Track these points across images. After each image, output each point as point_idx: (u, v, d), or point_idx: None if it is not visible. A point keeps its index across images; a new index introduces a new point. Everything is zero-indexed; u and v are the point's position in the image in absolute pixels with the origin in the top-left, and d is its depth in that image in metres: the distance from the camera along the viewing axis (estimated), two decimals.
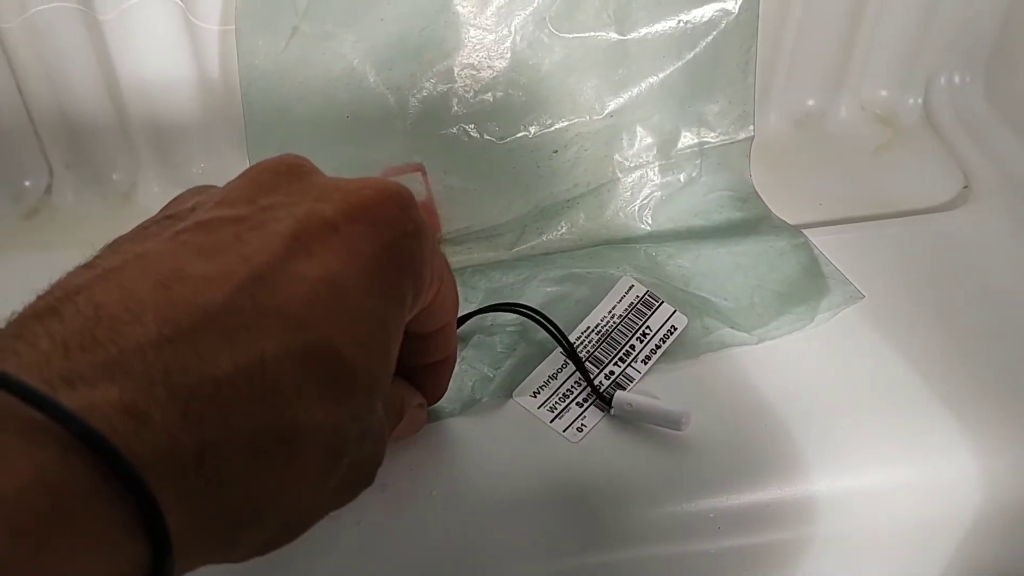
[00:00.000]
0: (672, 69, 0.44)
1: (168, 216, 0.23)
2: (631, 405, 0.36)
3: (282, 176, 0.24)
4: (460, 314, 0.34)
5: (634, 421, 0.36)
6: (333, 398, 0.21)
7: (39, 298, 0.19)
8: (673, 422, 0.35)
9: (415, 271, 0.24)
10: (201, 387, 0.18)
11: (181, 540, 0.18)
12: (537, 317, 0.38)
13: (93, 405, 0.17)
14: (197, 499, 0.18)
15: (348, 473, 0.23)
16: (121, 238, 0.22)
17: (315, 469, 0.21)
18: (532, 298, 0.40)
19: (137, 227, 0.23)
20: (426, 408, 0.33)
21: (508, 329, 0.39)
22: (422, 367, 0.31)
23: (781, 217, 0.46)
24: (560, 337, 0.38)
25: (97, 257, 0.21)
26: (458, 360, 0.38)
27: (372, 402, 0.23)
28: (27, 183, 0.47)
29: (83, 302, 0.19)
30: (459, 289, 0.40)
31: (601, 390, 0.37)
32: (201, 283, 0.20)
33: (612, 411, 0.36)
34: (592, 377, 0.37)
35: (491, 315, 0.40)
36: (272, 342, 0.20)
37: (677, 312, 0.39)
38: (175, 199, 0.25)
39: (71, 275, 0.20)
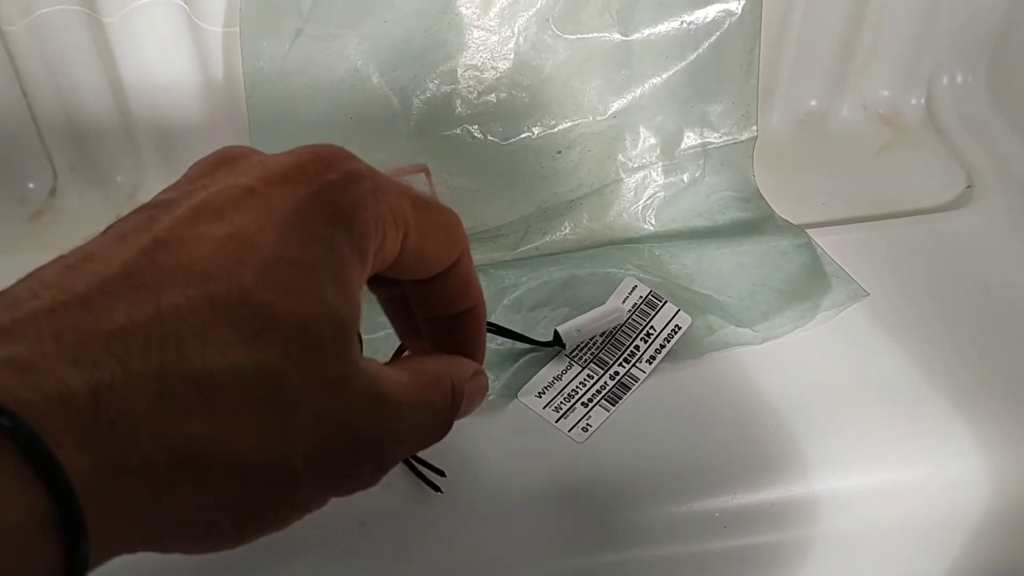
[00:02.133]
0: (675, 70, 0.44)
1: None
2: (579, 331, 0.37)
3: (212, 165, 0.24)
4: None
5: (588, 339, 0.38)
6: (254, 343, 0.20)
7: None
8: (617, 313, 0.37)
9: (344, 216, 0.23)
10: (92, 338, 0.18)
11: (96, 489, 0.18)
12: (493, 329, 0.38)
13: None
14: (101, 443, 0.18)
15: (330, 437, 0.22)
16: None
17: (250, 416, 0.20)
18: (535, 298, 0.41)
19: None
20: (485, 376, 0.30)
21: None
22: (449, 322, 0.30)
23: (784, 217, 0.46)
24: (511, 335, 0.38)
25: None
26: None
27: (319, 347, 0.22)
28: (31, 185, 0.47)
29: (0, 298, 0.19)
30: None
31: (606, 390, 0.37)
32: (103, 258, 0.20)
33: (567, 349, 0.38)
34: (597, 378, 0.38)
35: (495, 321, 0.40)
36: (171, 294, 0.20)
37: (681, 311, 0.39)
38: None
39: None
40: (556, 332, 0.38)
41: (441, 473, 0.34)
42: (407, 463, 0.34)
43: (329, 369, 0.22)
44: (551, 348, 0.38)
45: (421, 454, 0.34)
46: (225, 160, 0.24)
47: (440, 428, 0.27)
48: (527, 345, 0.38)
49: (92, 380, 0.18)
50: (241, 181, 0.23)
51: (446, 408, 0.27)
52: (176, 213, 0.22)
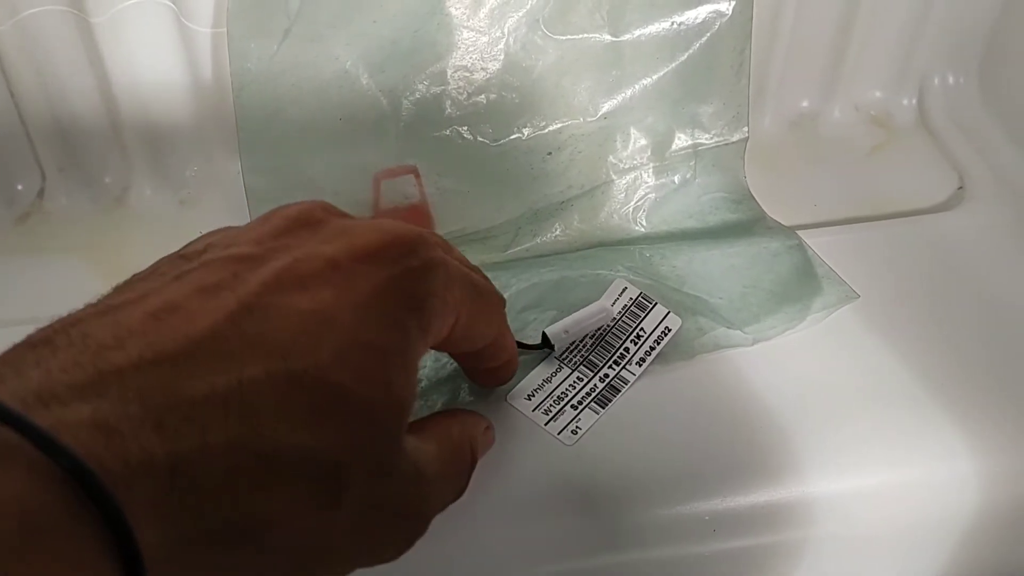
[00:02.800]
0: (666, 71, 0.44)
1: (181, 256, 0.24)
2: (567, 332, 0.38)
3: (296, 221, 0.24)
4: None
5: (577, 339, 0.38)
6: (322, 424, 0.21)
7: (39, 329, 0.20)
8: (604, 313, 0.38)
9: (419, 303, 0.24)
10: (176, 406, 0.19)
11: (160, 561, 0.18)
12: None
13: (63, 422, 0.17)
14: (173, 515, 0.18)
15: (372, 519, 0.23)
16: (134, 276, 0.23)
17: (307, 495, 0.21)
18: (525, 300, 0.40)
19: (151, 265, 0.24)
20: (493, 428, 0.34)
21: None
22: (485, 371, 0.34)
23: (775, 218, 0.46)
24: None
25: (105, 295, 0.22)
26: (452, 365, 0.38)
27: (378, 432, 0.22)
28: (19, 187, 0.47)
29: (75, 333, 0.19)
30: None
31: (596, 392, 0.37)
32: (191, 315, 0.20)
33: (556, 351, 0.38)
34: (586, 381, 0.37)
35: None
36: (254, 367, 0.20)
37: (671, 313, 0.39)
38: (195, 240, 0.25)
39: (76, 310, 0.21)
40: (544, 334, 0.38)
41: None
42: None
43: (383, 454, 0.23)
44: (540, 351, 0.38)
45: None
46: (308, 221, 0.25)
47: (455, 497, 0.28)
48: (521, 349, 0.38)
49: (172, 453, 0.18)
50: (326, 251, 0.23)
51: (467, 475, 0.29)
52: (261, 276, 0.22)
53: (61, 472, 0.17)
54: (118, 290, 0.22)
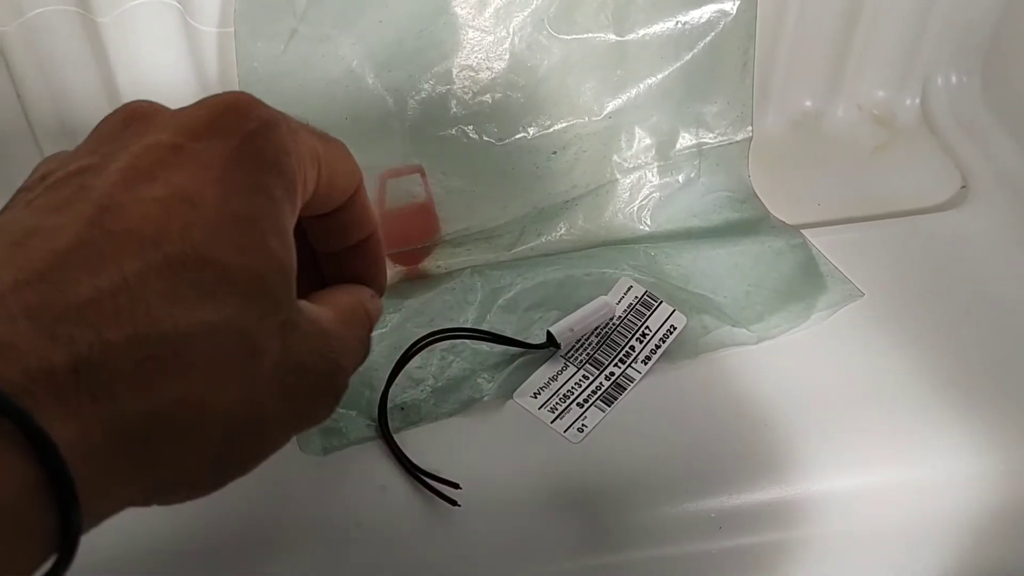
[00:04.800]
0: (670, 70, 0.44)
1: (23, 189, 0.23)
2: (572, 329, 0.38)
3: (124, 121, 0.24)
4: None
5: (582, 337, 0.38)
6: (215, 299, 0.21)
7: None
8: (607, 308, 0.38)
9: (275, 163, 0.24)
10: (65, 314, 0.19)
11: (83, 458, 0.18)
12: (482, 336, 0.38)
13: None
14: (87, 414, 0.18)
15: (292, 378, 0.23)
16: None
17: (225, 369, 0.21)
18: (530, 299, 0.41)
19: None
20: (380, 299, 0.31)
21: (507, 331, 0.39)
22: (350, 253, 0.30)
23: (779, 217, 0.46)
24: (516, 342, 0.38)
25: None
26: (459, 363, 0.38)
27: (273, 296, 0.23)
28: None
29: None
30: (458, 291, 0.41)
31: (602, 390, 0.37)
32: (51, 231, 0.20)
33: (561, 349, 0.38)
34: (592, 379, 0.38)
35: (490, 321, 0.40)
36: (131, 261, 0.20)
37: (676, 312, 0.39)
38: (32, 172, 0.25)
39: None
40: (549, 333, 0.38)
41: (456, 486, 0.34)
42: (420, 480, 0.34)
43: (282, 316, 0.23)
44: (546, 350, 0.38)
45: (432, 469, 0.34)
46: (133, 117, 0.24)
47: (365, 353, 0.29)
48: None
49: (72, 354, 0.18)
50: (163, 138, 0.23)
51: (367, 334, 0.29)
52: (108, 178, 0.22)
53: None
54: None
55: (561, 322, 0.38)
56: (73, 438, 0.18)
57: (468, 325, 0.39)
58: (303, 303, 0.25)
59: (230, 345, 0.21)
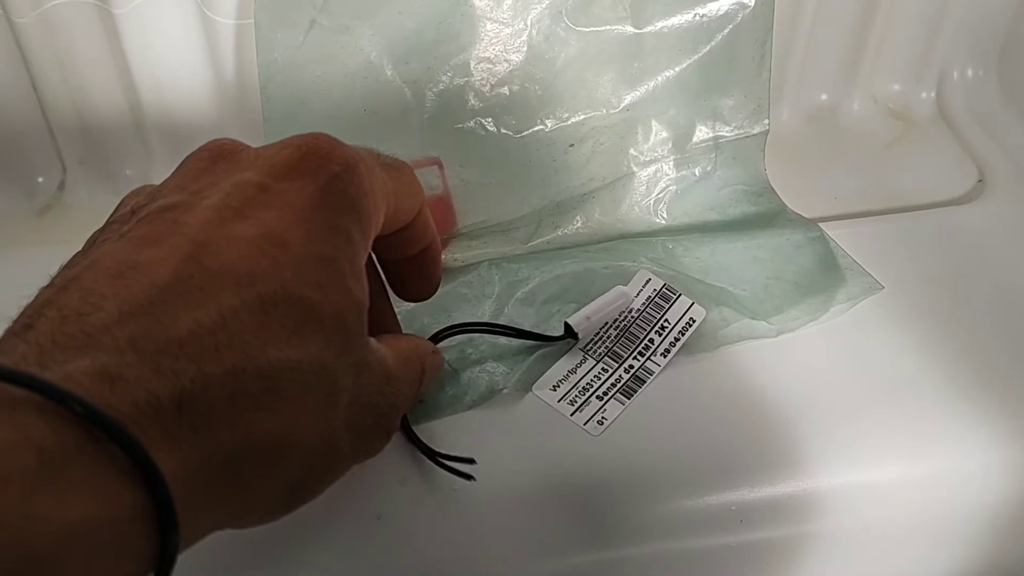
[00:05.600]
0: (688, 63, 0.44)
1: (111, 222, 0.25)
2: (589, 319, 0.38)
3: (209, 161, 0.25)
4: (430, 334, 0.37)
5: (600, 329, 0.39)
6: (302, 336, 0.22)
7: (14, 321, 0.21)
8: (624, 299, 0.38)
9: (354, 206, 0.25)
10: (168, 347, 0.20)
11: (182, 486, 0.19)
12: (499, 329, 0.38)
13: (67, 376, 0.18)
14: (187, 445, 0.20)
15: (360, 415, 0.25)
16: (76, 254, 0.24)
17: (309, 404, 0.22)
18: (547, 292, 0.40)
19: (87, 241, 0.25)
20: (440, 354, 0.34)
21: (525, 324, 0.39)
22: (408, 261, 0.32)
23: (795, 211, 0.46)
24: (531, 335, 0.38)
25: (56, 276, 0.23)
26: (478, 356, 0.38)
27: (350, 334, 0.24)
28: (40, 179, 0.47)
29: (50, 311, 0.20)
30: (476, 284, 0.41)
31: (621, 383, 0.37)
32: (150, 266, 0.21)
33: (580, 340, 0.38)
34: (611, 372, 0.37)
35: (508, 315, 0.39)
36: (227, 298, 0.21)
37: (695, 304, 0.39)
38: (116, 207, 0.26)
39: (37, 295, 0.22)
40: (567, 324, 0.38)
41: (471, 461, 0.34)
42: (435, 461, 0.34)
43: (357, 353, 0.24)
44: (564, 341, 0.38)
45: (445, 448, 0.34)
46: (220, 155, 0.25)
47: (417, 394, 0.31)
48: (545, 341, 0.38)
49: (175, 387, 0.19)
50: (251, 178, 0.24)
51: (420, 382, 0.31)
52: (201, 215, 0.23)
53: (72, 416, 0.18)
54: (67, 267, 0.23)
55: (578, 313, 0.38)
56: (175, 468, 0.19)
57: (486, 318, 0.39)
58: (371, 340, 0.26)
59: (313, 381, 0.22)
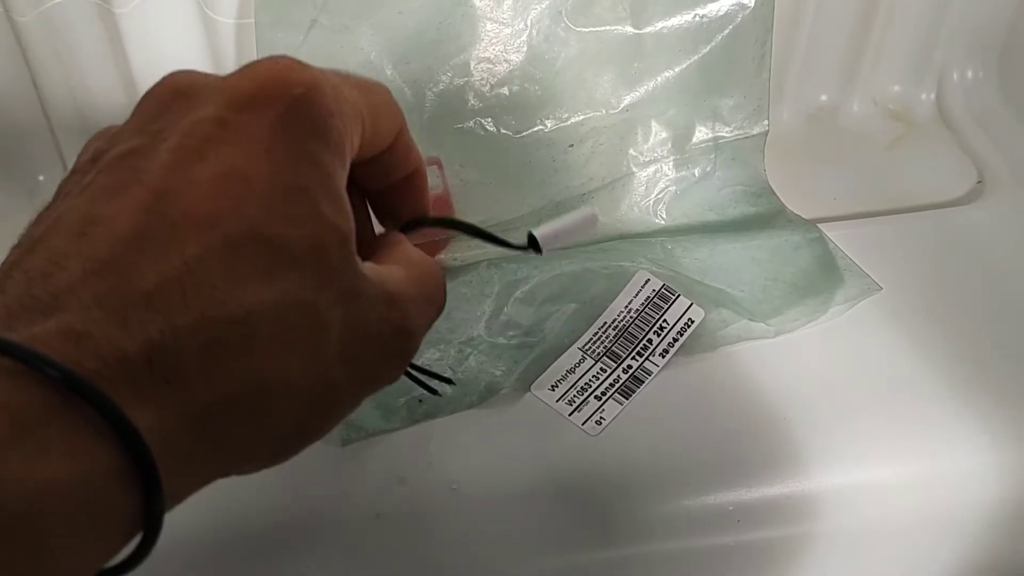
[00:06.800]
0: (687, 63, 0.44)
1: (75, 171, 0.24)
2: (556, 236, 0.35)
3: (168, 97, 0.24)
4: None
5: (566, 245, 0.36)
6: (274, 275, 0.21)
7: None
8: (590, 221, 0.34)
9: (321, 128, 0.24)
10: (134, 301, 0.19)
11: (161, 441, 0.19)
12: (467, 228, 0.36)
13: (33, 337, 0.18)
14: (162, 399, 0.19)
15: (357, 345, 0.24)
16: (44, 209, 0.23)
17: (291, 345, 0.22)
18: (546, 292, 0.41)
19: (54, 194, 0.24)
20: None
21: (523, 325, 0.39)
22: (393, 188, 0.31)
23: (795, 211, 0.46)
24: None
25: (24, 234, 0.22)
26: (477, 355, 0.38)
27: (331, 264, 0.23)
28: (41, 178, 0.47)
29: (17, 273, 0.20)
30: (475, 284, 0.41)
31: (620, 383, 0.37)
32: (111, 220, 0.21)
33: (544, 252, 0.35)
34: (610, 372, 0.38)
35: (507, 314, 0.39)
36: (192, 245, 0.20)
37: (694, 305, 0.39)
38: (81, 152, 0.25)
39: (7, 256, 0.21)
40: (531, 234, 0.37)
41: (449, 381, 0.34)
42: (408, 375, 0.33)
43: (343, 283, 0.23)
44: (526, 251, 0.36)
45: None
46: (178, 91, 0.24)
47: (437, 312, 0.28)
48: (544, 341, 0.38)
49: (144, 341, 0.19)
50: (208, 112, 0.23)
51: (441, 294, 0.29)
52: (158, 160, 0.22)
53: (41, 376, 0.17)
54: (34, 224, 0.23)
55: (545, 226, 0.37)
56: (151, 423, 0.19)
57: (485, 317, 0.39)
58: (368, 265, 0.25)
59: (293, 319, 0.22)
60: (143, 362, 0.19)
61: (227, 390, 0.20)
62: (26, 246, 0.21)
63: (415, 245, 0.42)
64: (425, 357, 0.37)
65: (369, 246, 0.29)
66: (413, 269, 0.28)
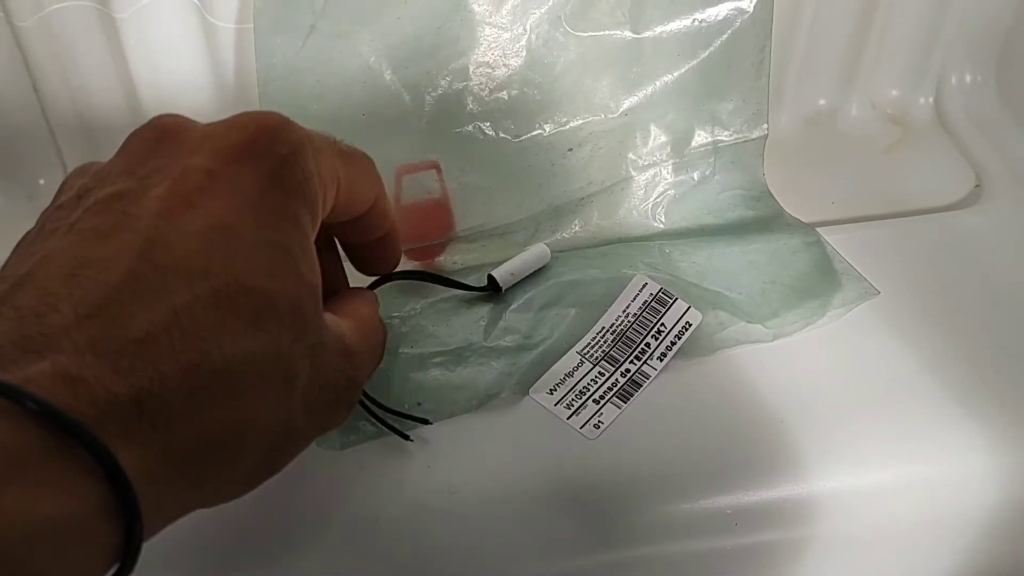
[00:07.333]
0: (686, 68, 0.44)
1: (59, 207, 0.24)
2: (512, 274, 0.40)
3: (154, 141, 0.25)
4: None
5: (521, 280, 0.40)
6: (257, 327, 0.22)
7: None
8: (542, 257, 0.40)
9: (301, 189, 0.25)
10: (125, 347, 0.20)
11: (144, 481, 0.20)
12: (428, 278, 0.40)
13: (28, 378, 0.19)
14: (148, 442, 0.20)
15: (318, 394, 0.25)
16: (24, 240, 0.24)
17: (266, 394, 0.23)
18: (545, 297, 0.41)
19: (36, 224, 0.25)
20: (377, 303, 0.34)
21: (522, 329, 0.39)
22: (368, 245, 0.33)
23: (793, 215, 0.46)
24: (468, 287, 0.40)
25: (6, 266, 0.23)
26: (475, 358, 0.38)
27: (305, 319, 0.24)
28: (41, 181, 0.47)
29: (7, 311, 0.21)
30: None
31: (618, 387, 0.37)
32: (103, 264, 0.21)
33: (503, 291, 0.40)
34: (608, 375, 0.38)
35: (506, 319, 0.40)
36: (181, 295, 0.21)
37: (691, 308, 0.39)
38: (61, 187, 0.26)
39: None
40: (490, 276, 0.39)
41: (425, 421, 0.35)
42: (380, 421, 0.35)
43: (312, 336, 0.25)
44: (488, 292, 0.40)
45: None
46: (164, 135, 0.25)
47: (377, 362, 0.32)
48: (543, 344, 0.39)
49: (133, 387, 0.20)
50: (198, 163, 0.24)
51: (382, 348, 0.32)
52: (149, 207, 0.23)
53: (36, 417, 0.18)
54: (18, 256, 0.23)
55: (503, 266, 0.40)
56: (137, 464, 0.20)
57: (484, 323, 0.40)
58: (328, 316, 0.27)
59: (270, 370, 0.23)
60: (132, 407, 0.20)
61: (208, 435, 0.21)
62: (12, 281, 0.22)
63: (424, 247, 0.43)
64: (426, 357, 0.37)
65: (332, 295, 0.30)
66: (364, 323, 0.30)
